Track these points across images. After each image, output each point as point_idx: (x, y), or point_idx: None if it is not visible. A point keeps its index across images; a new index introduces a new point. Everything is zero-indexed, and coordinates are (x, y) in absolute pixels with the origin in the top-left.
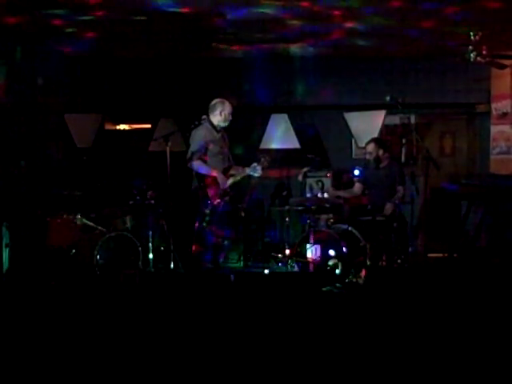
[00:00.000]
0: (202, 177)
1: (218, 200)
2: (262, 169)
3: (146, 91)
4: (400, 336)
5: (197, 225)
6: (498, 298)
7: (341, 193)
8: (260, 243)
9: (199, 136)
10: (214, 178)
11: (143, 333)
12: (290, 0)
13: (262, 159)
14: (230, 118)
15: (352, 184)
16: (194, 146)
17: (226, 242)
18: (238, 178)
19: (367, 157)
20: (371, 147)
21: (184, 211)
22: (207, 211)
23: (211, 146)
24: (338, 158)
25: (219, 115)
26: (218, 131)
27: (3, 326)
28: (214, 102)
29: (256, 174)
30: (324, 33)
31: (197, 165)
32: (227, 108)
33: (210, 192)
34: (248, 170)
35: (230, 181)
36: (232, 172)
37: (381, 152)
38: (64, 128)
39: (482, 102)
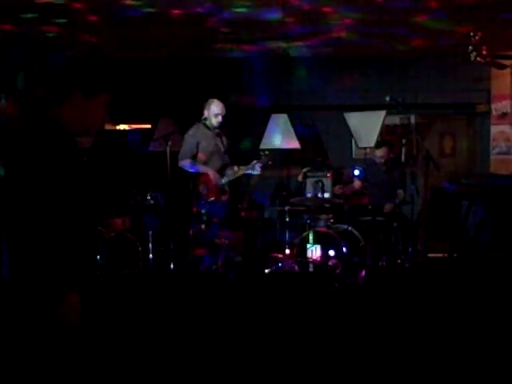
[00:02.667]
0: (194, 175)
1: (213, 198)
2: (263, 166)
3: (146, 91)
4: (400, 336)
5: (192, 228)
6: (498, 297)
7: (346, 189)
8: (260, 243)
9: (189, 136)
10: (206, 176)
11: (143, 333)
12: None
13: (263, 156)
14: (219, 118)
15: (351, 182)
16: (184, 146)
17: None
18: (235, 176)
19: (377, 160)
20: (384, 151)
21: (184, 211)
22: (203, 211)
23: (204, 145)
24: (338, 157)
25: (207, 114)
26: (211, 130)
27: (3, 325)
28: (207, 101)
29: (255, 172)
30: (324, 33)
31: (187, 163)
32: (213, 109)
33: (203, 190)
34: (245, 169)
35: (226, 179)
36: (228, 171)
37: (391, 156)
38: None
39: (481, 102)
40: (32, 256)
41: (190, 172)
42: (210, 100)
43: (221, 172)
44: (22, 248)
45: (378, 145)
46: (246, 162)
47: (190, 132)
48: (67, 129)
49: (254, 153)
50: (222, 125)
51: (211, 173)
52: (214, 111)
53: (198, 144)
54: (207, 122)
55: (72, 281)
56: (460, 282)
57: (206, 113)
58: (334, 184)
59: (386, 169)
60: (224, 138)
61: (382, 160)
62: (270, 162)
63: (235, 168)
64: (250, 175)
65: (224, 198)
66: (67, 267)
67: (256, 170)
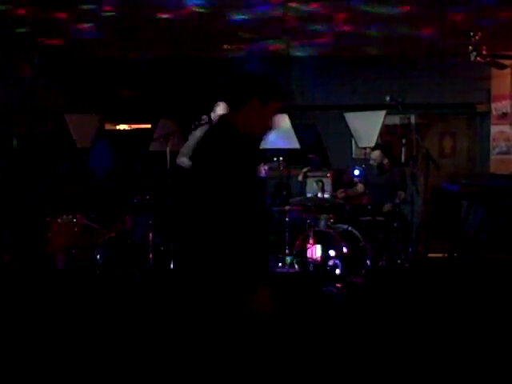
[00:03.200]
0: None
1: None
2: (270, 169)
3: (145, 91)
4: (400, 336)
5: None
6: (498, 297)
7: (349, 191)
8: None
9: (195, 136)
10: None
11: (143, 333)
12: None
13: (276, 162)
14: None
15: (354, 184)
16: (185, 146)
17: None
18: None
19: (371, 162)
20: (376, 155)
21: (183, 210)
22: None
23: None
24: (338, 158)
25: (214, 117)
26: None
27: (3, 325)
28: (216, 103)
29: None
30: (324, 33)
31: (182, 161)
32: (217, 112)
33: None
34: None
35: None
36: None
37: (385, 161)
38: (64, 128)
39: (482, 101)
40: (226, 253)
41: (186, 169)
42: (219, 103)
43: None
44: (217, 245)
45: (372, 148)
46: None
47: (196, 132)
48: (242, 132)
49: (261, 155)
50: None
51: None
52: (220, 114)
53: None
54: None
55: (260, 274)
56: (460, 282)
57: (212, 115)
58: (335, 187)
59: (379, 172)
60: None
61: (375, 163)
62: (281, 168)
63: None
64: None
65: None
66: (256, 262)
67: (262, 173)
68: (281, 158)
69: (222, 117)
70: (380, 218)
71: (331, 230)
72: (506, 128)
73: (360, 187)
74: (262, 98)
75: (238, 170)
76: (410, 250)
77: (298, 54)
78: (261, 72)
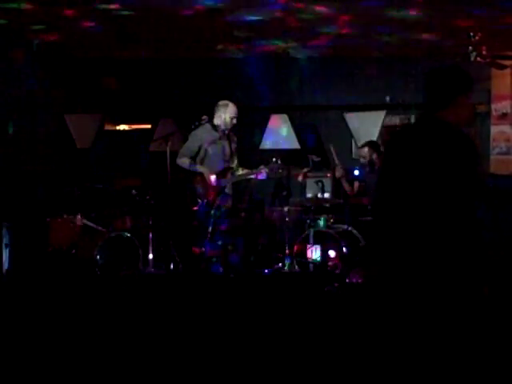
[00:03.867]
0: (189, 175)
1: (210, 198)
2: (270, 172)
3: (146, 91)
4: (400, 336)
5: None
6: (498, 297)
7: (345, 184)
8: (260, 243)
9: (195, 137)
10: (202, 175)
11: (143, 333)
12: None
13: (273, 164)
14: (234, 121)
15: (352, 183)
16: (185, 146)
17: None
18: (236, 179)
19: (361, 160)
20: (365, 151)
21: (184, 211)
22: (212, 212)
23: (208, 147)
24: (338, 158)
25: (219, 118)
26: (219, 132)
27: (3, 326)
28: (219, 103)
29: (260, 177)
30: (325, 33)
31: (183, 162)
32: (229, 112)
33: (198, 190)
34: (251, 173)
35: (228, 180)
36: (229, 174)
37: (375, 156)
38: (64, 128)
39: (482, 102)
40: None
41: (187, 170)
42: (225, 102)
43: (224, 173)
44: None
45: (361, 145)
46: (245, 162)
47: (197, 133)
48: (455, 127)
49: (261, 156)
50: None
51: (205, 172)
52: (232, 114)
53: (200, 146)
54: (216, 124)
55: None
56: (460, 281)
57: (221, 115)
58: (335, 187)
59: (370, 169)
60: (233, 141)
61: (366, 160)
62: (280, 170)
63: (240, 171)
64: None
65: (227, 204)
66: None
67: (262, 175)
68: (276, 160)
69: (429, 116)
70: None
71: (331, 230)
72: (506, 128)
73: (355, 186)
74: (466, 92)
75: (474, 161)
76: None
77: (298, 54)
78: (455, 67)
